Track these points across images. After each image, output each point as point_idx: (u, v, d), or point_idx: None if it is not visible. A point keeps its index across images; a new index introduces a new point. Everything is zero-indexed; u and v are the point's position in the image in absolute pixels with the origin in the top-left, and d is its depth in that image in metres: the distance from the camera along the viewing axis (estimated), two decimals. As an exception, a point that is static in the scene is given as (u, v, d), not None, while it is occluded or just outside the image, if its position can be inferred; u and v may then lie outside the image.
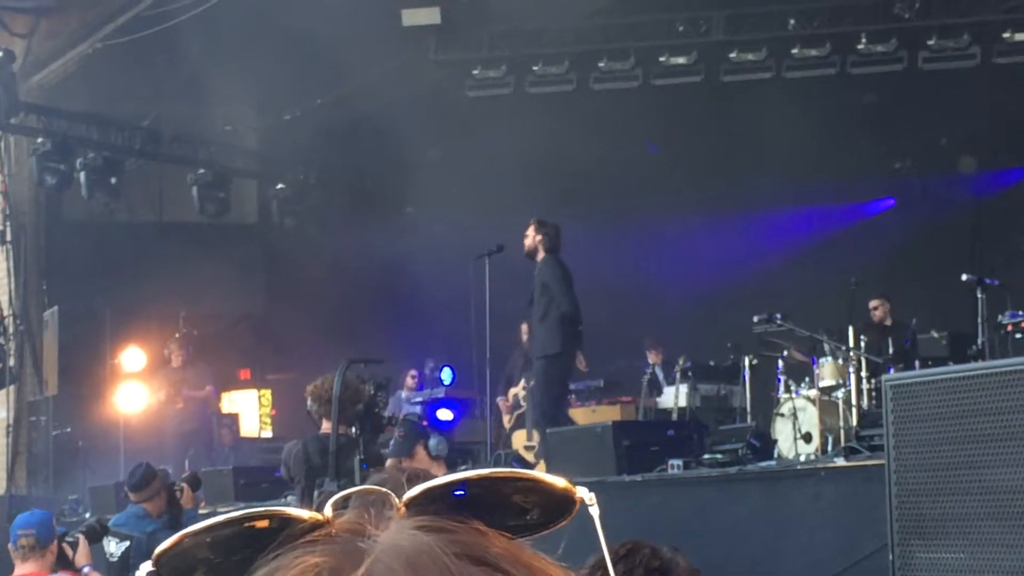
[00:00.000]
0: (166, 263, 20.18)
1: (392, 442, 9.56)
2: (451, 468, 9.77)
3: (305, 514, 0.89)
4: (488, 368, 14.68)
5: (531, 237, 13.92)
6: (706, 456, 12.11)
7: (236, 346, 22.19)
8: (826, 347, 14.37)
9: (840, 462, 10.88)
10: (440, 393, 18.44)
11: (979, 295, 12.94)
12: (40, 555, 8.36)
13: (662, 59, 19.26)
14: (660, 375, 17.72)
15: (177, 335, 19.79)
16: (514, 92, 19.61)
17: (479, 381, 15.50)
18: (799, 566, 9.90)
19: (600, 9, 19.22)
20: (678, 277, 20.13)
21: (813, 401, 13.32)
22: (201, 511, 11.44)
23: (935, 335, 14.22)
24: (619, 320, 19.14)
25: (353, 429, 8.94)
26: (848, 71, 18.75)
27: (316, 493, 8.46)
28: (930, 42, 18.27)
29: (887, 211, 22.16)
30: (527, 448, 14.59)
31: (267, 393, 22.21)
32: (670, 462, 11.81)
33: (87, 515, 15.69)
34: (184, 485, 10.41)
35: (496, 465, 14.00)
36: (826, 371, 14.08)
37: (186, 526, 0.92)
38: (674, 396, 16.70)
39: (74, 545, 8.94)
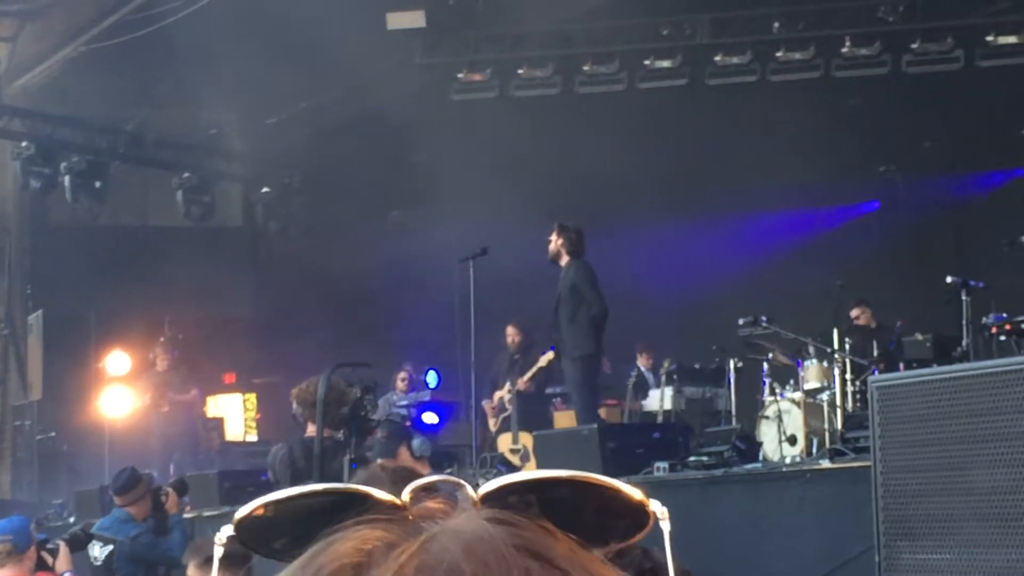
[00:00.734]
0: (151, 267, 20.17)
1: (375, 443, 9.57)
2: (436, 470, 9.77)
3: (384, 496, 0.90)
4: (473, 371, 14.69)
5: (553, 242, 14.05)
6: (691, 458, 12.13)
7: (221, 350, 22.14)
8: (811, 349, 14.38)
9: (825, 464, 10.90)
10: (426, 396, 18.43)
11: (963, 297, 12.95)
12: (18, 560, 8.37)
13: (647, 62, 19.28)
14: (651, 378, 17.72)
15: (162, 339, 19.75)
16: (499, 96, 19.62)
17: (464, 384, 15.50)
18: (785, 568, 9.92)
19: (585, 12, 19.23)
20: (664, 280, 20.13)
21: (798, 403, 13.32)
22: (186, 515, 11.43)
23: (919, 337, 14.21)
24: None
25: (340, 433, 8.93)
26: (832, 74, 18.79)
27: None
28: (914, 45, 18.33)
29: (872, 213, 22.18)
30: (512, 451, 14.61)
31: (252, 397, 22.16)
32: (656, 464, 11.83)
33: (72, 519, 15.66)
34: (169, 490, 10.38)
35: (481, 468, 14.03)
36: (811, 373, 14.09)
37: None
38: (659, 399, 16.71)
39: (54, 552, 8.94)
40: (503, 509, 0.88)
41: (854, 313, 16.04)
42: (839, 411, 13.33)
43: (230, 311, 22.97)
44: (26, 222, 21.38)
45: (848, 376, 13.75)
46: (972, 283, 13.08)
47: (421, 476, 0.92)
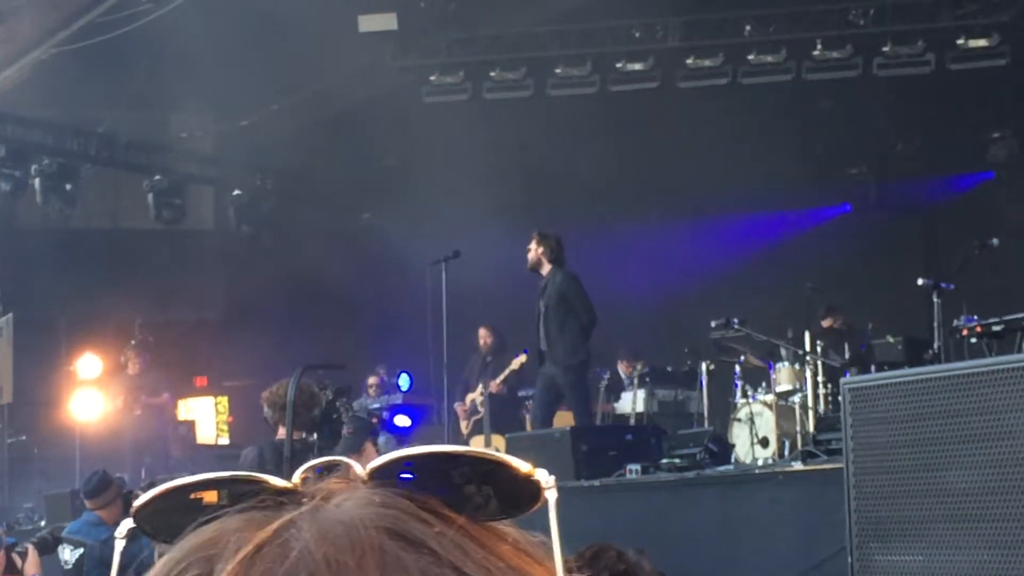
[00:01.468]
0: (122, 270, 20.09)
1: (342, 440, 9.55)
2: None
3: (278, 481, 0.90)
4: (445, 374, 14.68)
5: (533, 250, 14.08)
6: (664, 461, 12.15)
7: (193, 353, 22.08)
8: (783, 352, 14.41)
9: (797, 466, 10.92)
10: (398, 399, 18.41)
11: (934, 299, 12.98)
12: (-14, 564, 8.33)
13: (619, 65, 19.30)
14: (626, 381, 17.70)
15: (133, 342, 19.65)
16: (471, 98, 19.61)
17: (437, 387, 15.48)
18: (757, 570, 9.93)
19: (557, 15, 19.23)
20: (636, 282, 20.14)
21: (770, 406, 13.36)
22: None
23: (891, 340, 14.25)
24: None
25: (313, 435, 8.90)
26: (804, 77, 18.84)
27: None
28: (885, 48, 18.39)
29: (843, 216, 22.24)
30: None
31: (224, 400, 22.09)
32: (628, 467, 11.84)
33: (42, 523, 15.59)
34: (140, 493, 10.32)
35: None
36: (783, 376, 14.12)
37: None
38: (632, 401, 16.72)
39: (23, 555, 8.89)
40: (391, 487, 0.88)
41: (825, 324, 16.02)
42: (811, 413, 13.36)
43: (202, 314, 22.91)
44: (-4, 225, 21.28)
45: (820, 378, 13.78)
46: (943, 285, 13.11)
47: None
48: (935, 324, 12.91)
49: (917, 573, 7.30)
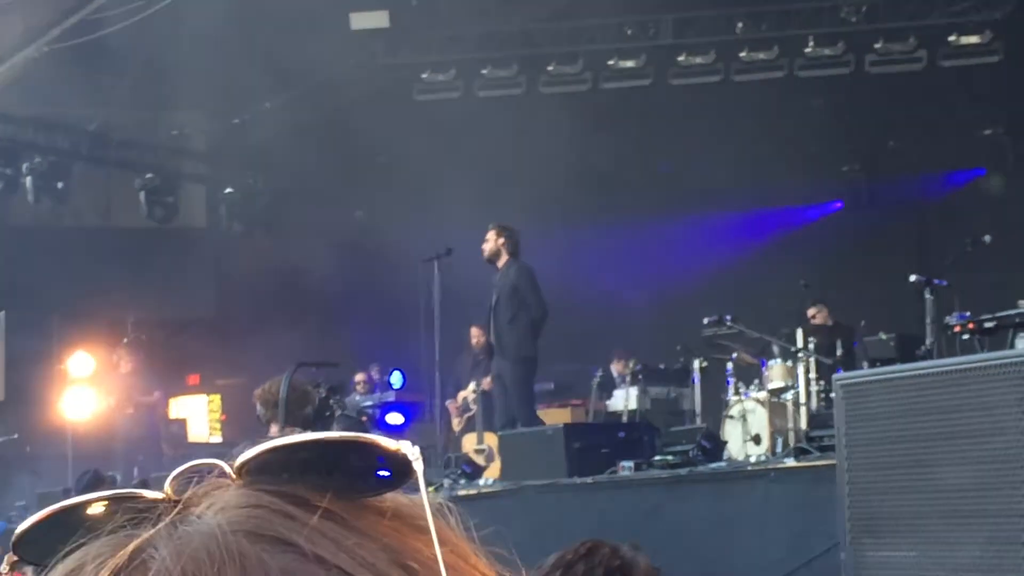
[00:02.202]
0: (114, 268, 20.05)
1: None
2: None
3: (149, 494, 0.88)
4: (438, 372, 14.68)
5: (493, 241, 14.05)
6: (657, 458, 12.14)
7: (185, 351, 22.06)
8: (775, 349, 14.42)
9: (790, 463, 10.92)
10: (390, 397, 18.40)
11: (927, 296, 12.98)
12: (-7, 564, 8.32)
13: (611, 62, 19.31)
14: (618, 379, 17.70)
15: (125, 340, 19.63)
16: (463, 96, 19.61)
17: (429, 385, 15.49)
18: (750, 567, 9.93)
19: (549, 13, 19.23)
20: (628, 280, 20.16)
21: (762, 403, 13.36)
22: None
23: (883, 337, 14.24)
24: (569, 323, 19.16)
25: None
26: (796, 74, 18.87)
27: None
28: (877, 45, 18.41)
29: (835, 213, 22.26)
30: (477, 451, 14.59)
31: (216, 398, 22.08)
32: (621, 464, 11.83)
33: (35, 522, 15.56)
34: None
35: (446, 468, 14.02)
36: (775, 373, 14.12)
37: None
38: (624, 399, 16.71)
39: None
40: (261, 481, 0.86)
41: (811, 312, 16.03)
42: (803, 410, 13.37)
43: (194, 312, 22.89)
44: (-12, 223, 21.26)
45: (812, 375, 13.78)
46: (936, 282, 13.12)
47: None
48: (927, 321, 12.91)
49: (909, 569, 7.30)
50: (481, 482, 13.32)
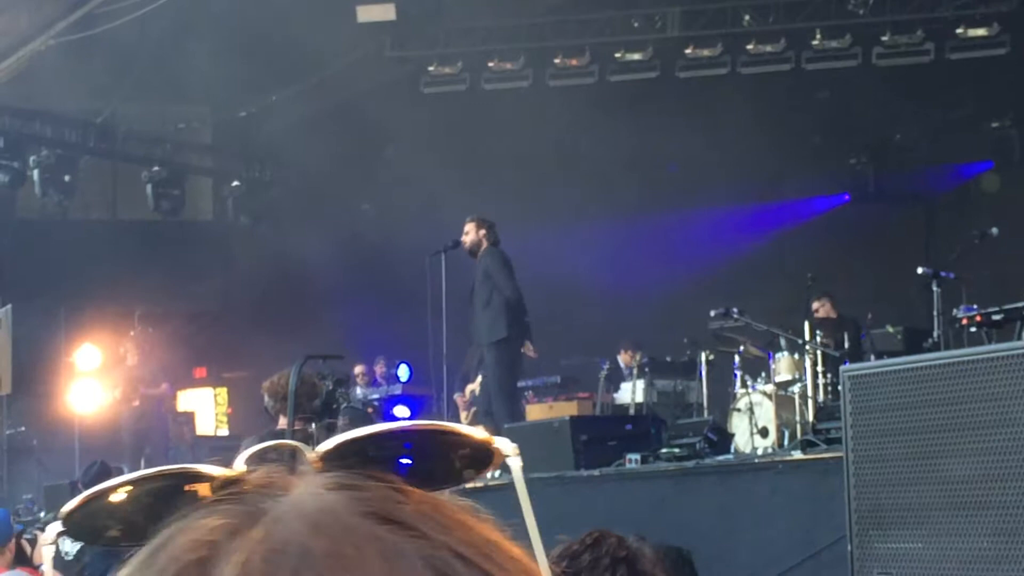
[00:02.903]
0: (121, 261, 20.05)
1: (338, 430, 9.52)
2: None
3: (217, 471, 0.86)
4: (445, 365, 14.68)
5: (473, 233, 14.12)
6: (663, 450, 12.14)
7: (192, 344, 22.06)
8: (782, 342, 14.39)
9: (797, 455, 10.90)
10: (397, 390, 18.39)
11: (934, 289, 12.97)
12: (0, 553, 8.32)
13: (618, 55, 19.30)
14: (626, 372, 17.70)
15: (132, 333, 19.66)
16: (470, 89, 19.60)
17: (436, 378, 15.48)
18: (757, 559, 9.93)
19: (555, 5, 19.22)
20: (635, 273, 20.14)
21: (769, 396, 13.35)
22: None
23: (890, 330, 14.23)
24: (575, 316, 19.19)
25: (312, 425, 8.89)
26: (803, 67, 18.85)
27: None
28: (884, 38, 18.40)
29: (842, 206, 22.23)
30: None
31: (223, 391, 22.11)
32: (628, 456, 11.82)
33: (42, 514, 15.60)
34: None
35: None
36: (782, 366, 14.11)
37: None
38: (631, 392, 16.71)
39: (32, 542, 8.89)
40: (344, 469, 0.84)
41: (815, 306, 15.99)
42: (810, 403, 13.35)
43: (200, 305, 22.90)
44: (-5, 216, 21.28)
45: (819, 368, 13.76)
46: (943, 274, 13.11)
47: None
48: (935, 313, 12.90)
49: (916, 560, 7.29)
50: (488, 475, 13.30)
